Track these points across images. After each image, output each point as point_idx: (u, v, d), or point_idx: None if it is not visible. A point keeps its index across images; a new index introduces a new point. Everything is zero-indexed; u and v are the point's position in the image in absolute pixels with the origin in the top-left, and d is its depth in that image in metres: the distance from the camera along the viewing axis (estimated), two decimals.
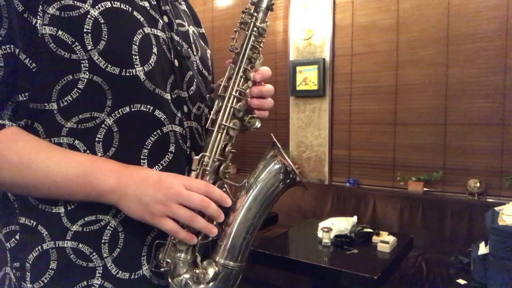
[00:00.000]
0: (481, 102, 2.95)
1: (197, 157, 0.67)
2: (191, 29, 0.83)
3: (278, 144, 0.72)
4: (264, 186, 0.71)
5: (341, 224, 2.40)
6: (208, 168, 0.67)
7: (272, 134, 0.76)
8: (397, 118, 3.28)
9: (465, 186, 2.97)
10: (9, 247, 0.65)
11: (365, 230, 2.41)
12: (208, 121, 0.71)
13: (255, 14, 0.72)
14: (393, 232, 2.50)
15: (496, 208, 2.32)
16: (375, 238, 2.31)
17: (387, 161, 3.34)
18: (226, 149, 0.70)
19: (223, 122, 0.69)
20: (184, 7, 0.87)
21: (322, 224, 2.40)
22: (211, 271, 0.67)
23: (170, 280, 0.66)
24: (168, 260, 0.66)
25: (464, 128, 3.01)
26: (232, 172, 4.02)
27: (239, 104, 0.71)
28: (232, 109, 0.70)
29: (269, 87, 0.75)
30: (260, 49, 0.73)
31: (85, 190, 0.61)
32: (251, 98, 0.72)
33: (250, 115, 0.73)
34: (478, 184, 2.90)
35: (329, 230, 2.29)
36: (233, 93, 0.70)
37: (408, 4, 3.17)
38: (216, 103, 0.71)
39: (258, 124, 0.74)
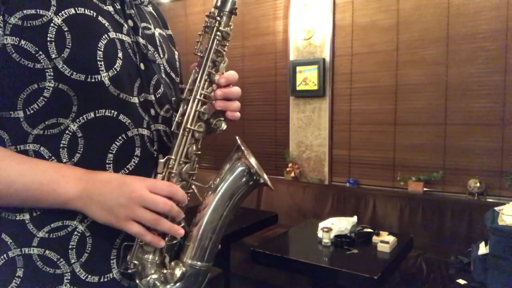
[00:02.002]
0: (481, 102, 2.94)
1: (162, 160, 0.68)
2: (157, 31, 0.83)
3: (243, 147, 0.73)
4: (230, 188, 0.73)
5: (341, 224, 2.40)
6: (173, 171, 0.68)
7: (237, 137, 0.77)
8: (397, 118, 3.28)
9: (465, 186, 2.97)
10: None
11: (365, 230, 2.41)
12: (174, 124, 0.71)
13: (218, 18, 0.73)
14: (393, 232, 2.50)
15: (496, 208, 2.32)
16: (375, 238, 2.31)
17: (387, 161, 3.34)
18: (192, 151, 0.71)
19: (188, 126, 0.70)
20: (150, 9, 0.87)
21: (322, 224, 2.40)
22: (178, 272, 0.69)
23: (138, 281, 0.67)
24: (136, 261, 0.67)
25: (464, 128, 3.01)
26: None
27: (204, 107, 0.72)
28: (197, 112, 0.71)
29: (235, 90, 0.76)
30: (225, 52, 0.74)
31: (49, 198, 0.61)
32: (215, 101, 0.73)
33: (217, 118, 0.74)
34: (478, 184, 2.90)
35: (329, 230, 2.29)
36: (198, 96, 0.71)
37: (408, 4, 3.17)
38: (181, 106, 0.72)
39: (224, 126, 0.75)
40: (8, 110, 0.62)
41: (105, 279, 0.67)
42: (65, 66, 0.61)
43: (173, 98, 0.79)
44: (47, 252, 0.63)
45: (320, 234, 2.34)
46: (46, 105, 0.62)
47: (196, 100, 0.71)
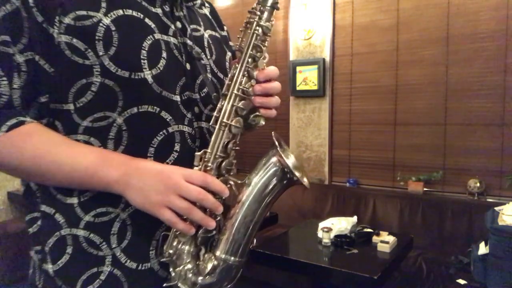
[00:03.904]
0: (481, 102, 2.94)
1: (198, 154, 0.70)
2: (208, 33, 0.86)
3: (277, 144, 0.72)
4: (264, 184, 0.72)
5: (341, 224, 2.40)
6: (209, 164, 0.70)
7: (273, 133, 0.76)
8: (397, 118, 3.28)
9: (465, 186, 2.97)
10: (31, 232, 0.71)
11: (365, 230, 2.41)
12: (212, 119, 0.73)
13: (259, 13, 0.73)
14: (393, 232, 2.49)
15: (496, 208, 2.32)
16: (375, 238, 2.31)
17: (387, 161, 3.34)
18: (229, 146, 0.72)
19: (225, 120, 0.71)
20: (205, 11, 0.91)
21: (322, 224, 2.40)
22: (209, 265, 0.69)
23: (171, 270, 0.70)
24: (171, 251, 0.69)
25: (464, 128, 3.01)
26: (233, 172, 4.01)
27: (242, 103, 0.72)
28: (234, 108, 0.72)
29: (274, 85, 0.76)
30: (264, 48, 0.74)
31: (93, 180, 0.65)
32: (254, 96, 0.74)
33: (255, 114, 0.75)
34: (478, 184, 2.90)
35: (329, 230, 2.29)
36: (235, 91, 0.72)
37: (408, 4, 3.17)
38: (220, 101, 0.73)
39: (262, 122, 0.76)
40: (61, 102, 0.67)
41: (143, 268, 0.71)
42: (110, 63, 0.66)
43: (214, 94, 0.80)
44: (91, 235, 0.69)
45: (320, 234, 2.34)
46: (94, 99, 0.67)
47: (234, 95, 0.72)
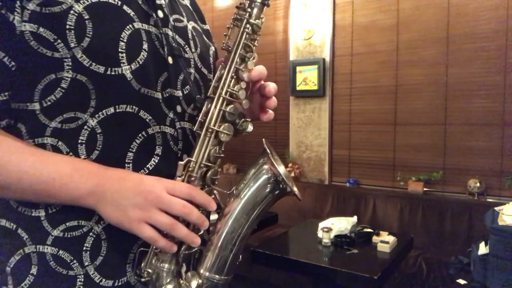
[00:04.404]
0: (481, 102, 2.95)
1: (182, 163, 0.63)
2: (191, 25, 0.78)
3: (269, 151, 0.67)
4: (254, 195, 0.67)
5: (341, 224, 2.40)
6: (194, 174, 0.64)
7: (263, 139, 0.70)
8: (397, 118, 3.28)
9: (465, 186, 2.97)
10: None
11: (365, 230, 2.41)
12: (197, 124, 0.66)
13: (249, 9, 0.67)
14: (393, 232, 2.50)
15: (496, 208, 2.32)
16: (375, 238, 2.31)
17: (387, 161, 3.34)
18: (215, 154, 0.66)
19: (211, 126, 0.65)
20: (186, 2, 0.83)
21: (322, 224, 2.40)
22: (194, 284, 0.63)
23: None
24: (150, 270, 0.63)
25: (464, 128, 3.01)
26: (232, 172, 4.01)
27: (230, 107, 0.66)
28: (221, 112, 0.66)
29: (272, 85, 0.73)
30: (254, 47, 0.68)
31: (62, 193, 0.58)
32: (253, 94, 0.69)
33: (243, 119, 0.68)
34: (478, 184, 2.90)
35: (329, 230, 2.29)
36: (223, 94, 0.66)
37: (408, 4, 3.17)
38: (205, 104, 0.67)
39: (250, 127, 0.69)
40: (25, 101, 0.59)
41: (120, 283, 0.64)
42: (83, 56, 0.58)
43: (197, 96, 0.71)
44: (60, 252, 0.61)
45: (320, 234, 2.34)
46: (64, 97, 0.59)
47: (221, 98, 0.65)
